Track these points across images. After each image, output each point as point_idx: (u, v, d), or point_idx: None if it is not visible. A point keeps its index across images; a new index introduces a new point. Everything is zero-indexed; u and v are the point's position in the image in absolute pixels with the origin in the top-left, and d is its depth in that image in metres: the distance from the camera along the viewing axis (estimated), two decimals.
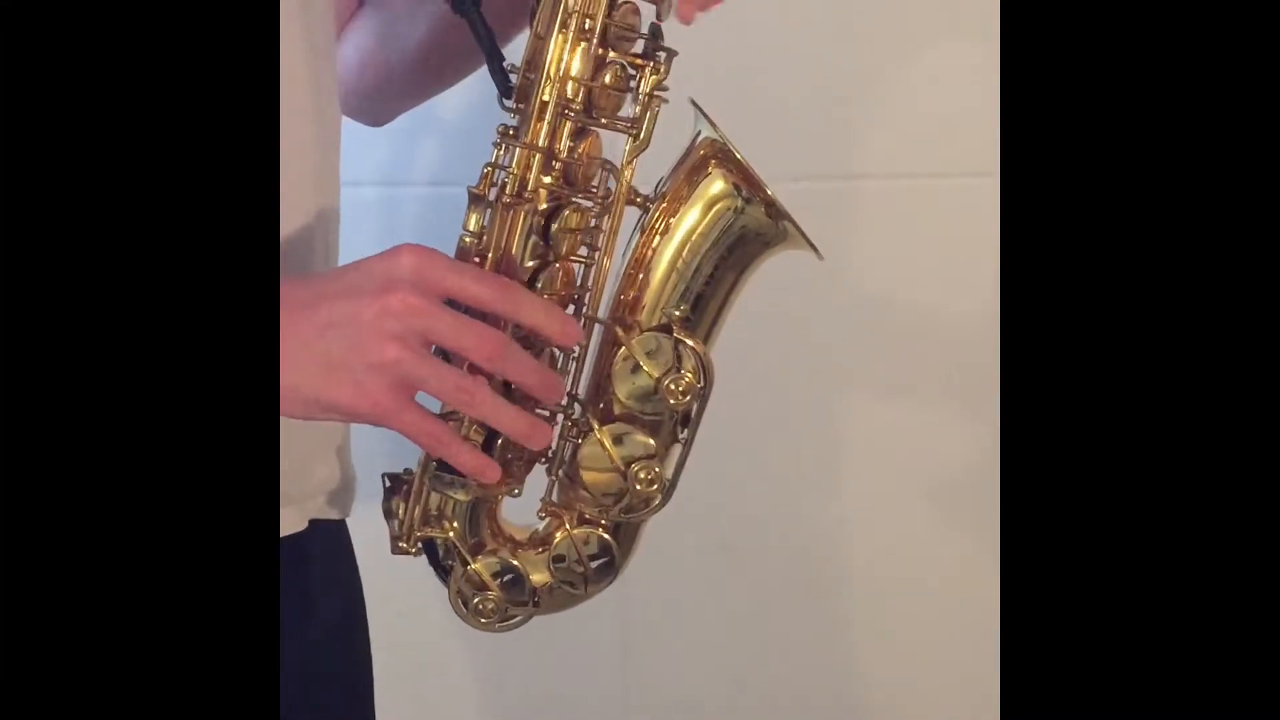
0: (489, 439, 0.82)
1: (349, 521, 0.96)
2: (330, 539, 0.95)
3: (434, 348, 0.76)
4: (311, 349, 0.73)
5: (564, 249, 0.82)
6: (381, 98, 1.00)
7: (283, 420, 0.71)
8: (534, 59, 0.81)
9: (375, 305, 0.74)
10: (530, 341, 0.80)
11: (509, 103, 0.82)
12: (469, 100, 1.32)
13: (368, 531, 0.96)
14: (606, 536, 0.87)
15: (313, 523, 0.90)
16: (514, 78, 0.83)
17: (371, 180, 1.39)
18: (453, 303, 0.76)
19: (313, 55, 0.85)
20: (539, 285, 0.82)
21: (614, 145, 0.84)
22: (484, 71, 0.85)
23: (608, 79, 0.81)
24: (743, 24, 1.31)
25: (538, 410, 0.84)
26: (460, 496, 0.84)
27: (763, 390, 1.39)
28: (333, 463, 0.90)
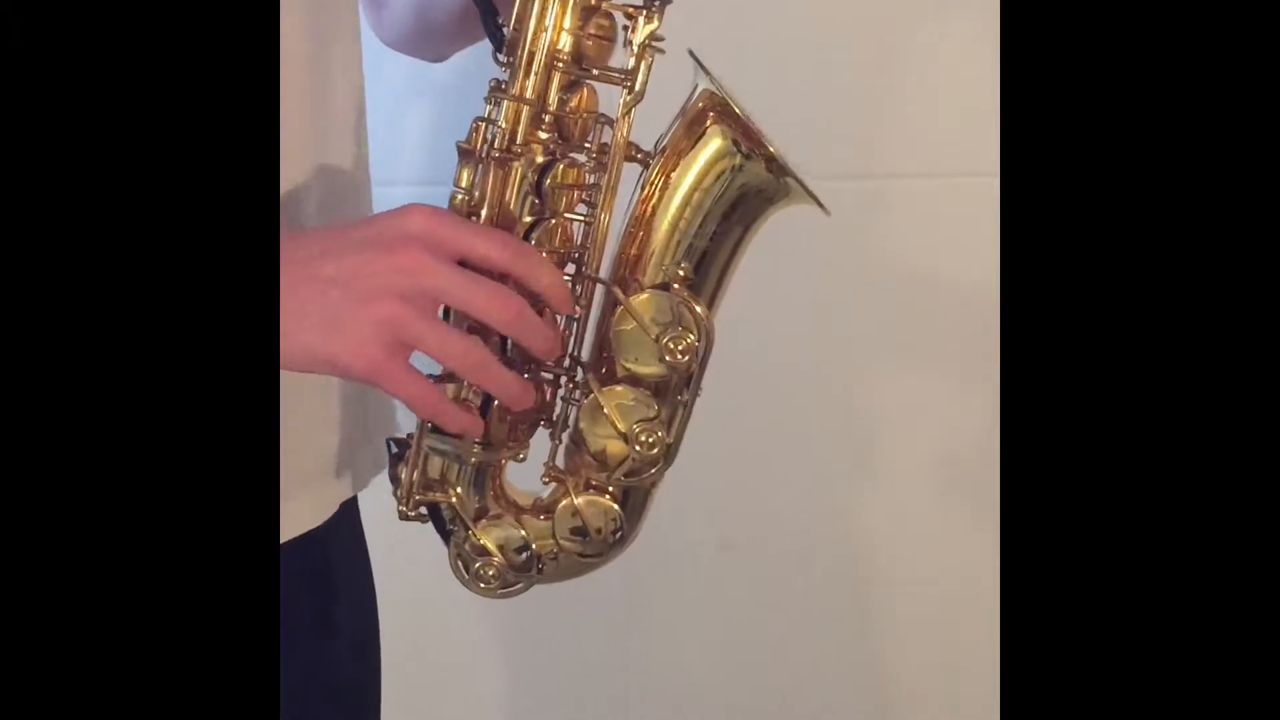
0: (485, 401, 0.81)
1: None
2: (346, 530, 0.94)
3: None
4: (315, 302, 0.72)
5: (560, 205, 0.80)
6: (428, 42, 1.00)
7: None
8: (523, 12, 0.80)
9: (384, 262, 0.73)
10: (532, 301, 0.79)
11: (502, 57, 0.81)
12: (465, 98, 1.32)
13: (372, 511, 0.96)
14: (614, 505, 0.85)
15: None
16: (507, 32, 0.81)
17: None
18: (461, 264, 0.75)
19: (315, 32, 0.84)
20: (533, 241, 0.80)
21: (612, 102, 0.82)
22: (481, 70, 0.84)
23: (599, 28, 0.80)
24: (744, 27, 1.30)
25: (542, 372, 0.83)
26: (456, 460, 0.83)
27: (760, 390, 1.38)
28: (336, 434, 0.89)
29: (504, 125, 0.79)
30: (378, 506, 0.94)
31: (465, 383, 0.80)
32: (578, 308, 0.83)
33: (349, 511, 0.94)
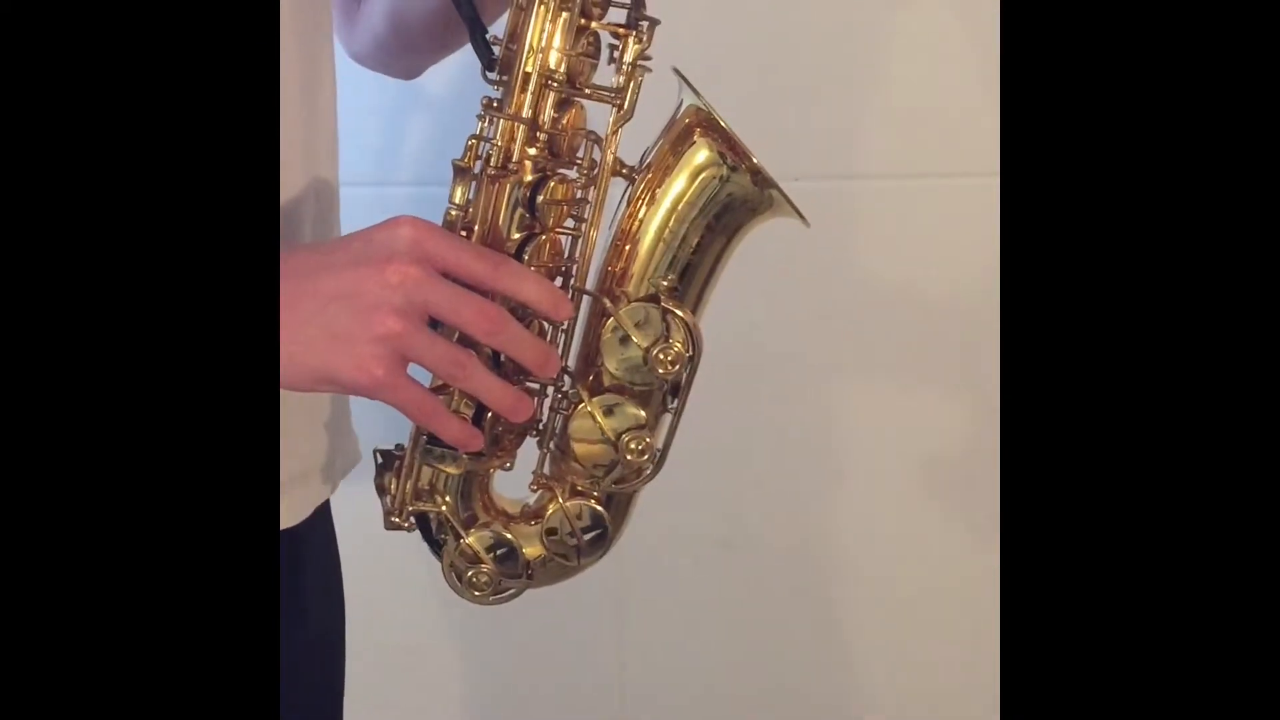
0: (478, 413, 0.82)
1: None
2: (320, 530, 0.95)
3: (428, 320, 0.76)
4: (315, 320, 0.73)
5: (550, 220, 0.82)
6: (401, 51, 1.00)
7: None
8: (516, 30, 0.81)
9: (378, 277, 0.73)
10: (520, 314, 0.80)
11: (492, 75, 0.82)
12: (455, 98, 1.32)
13: (349, 512, 0.97)
14: (599, 508, 0.87)
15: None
16: (497, 50, 0.83)
17: (356, 180, 1.39)
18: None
19: (300, 35, 0.85)
20: (526, 258, 0.82)
21: (599, 118, 0.84)
22: (471, 71, 0.85)
23: (589, 49, 0.81)
24: (743, 23, 1.31)
25: (529, 383, 0.84)
26: (451, 469, 0.84)
27: (759, 388, 1.39)
28: (321, 438, 0.90)
29: (499, 143, 0.80)
30: (349, 510, 0.94)
31: (457, 395, 0.81)
32: (566, 321, 0.85)
33: (323, 513, 0.95)
